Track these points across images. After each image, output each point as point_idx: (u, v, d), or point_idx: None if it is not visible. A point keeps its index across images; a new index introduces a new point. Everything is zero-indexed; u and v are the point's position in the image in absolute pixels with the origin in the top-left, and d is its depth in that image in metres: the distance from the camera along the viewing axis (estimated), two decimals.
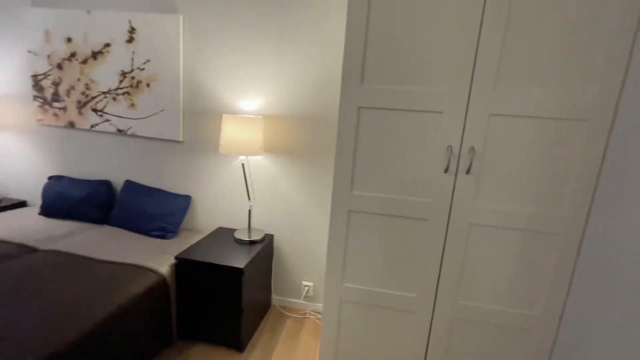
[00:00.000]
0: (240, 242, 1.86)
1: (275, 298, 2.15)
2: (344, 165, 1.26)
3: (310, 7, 1.74)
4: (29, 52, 2.12)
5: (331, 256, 1.34)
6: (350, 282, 1.35)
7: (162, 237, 1.95)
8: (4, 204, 2.29)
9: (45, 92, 2.15)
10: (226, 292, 1.63)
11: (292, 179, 1.96)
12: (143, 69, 1.98)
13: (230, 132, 1.71)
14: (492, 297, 1.24)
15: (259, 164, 1.98)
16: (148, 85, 2.00)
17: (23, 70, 2.19)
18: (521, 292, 1.21)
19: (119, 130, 2.09)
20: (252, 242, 1.87)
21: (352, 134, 1.22)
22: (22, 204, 2.35)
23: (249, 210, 1.91)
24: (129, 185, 2.12)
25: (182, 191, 2.12)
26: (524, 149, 1.11)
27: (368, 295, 1.34)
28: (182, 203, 2.04)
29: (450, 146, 1.15)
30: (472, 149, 1.14)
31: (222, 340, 1.70)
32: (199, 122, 2.01)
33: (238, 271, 1.59)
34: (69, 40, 2.04)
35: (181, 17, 1.89)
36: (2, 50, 2.20)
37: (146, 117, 2.04)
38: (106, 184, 2.16)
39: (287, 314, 2.06)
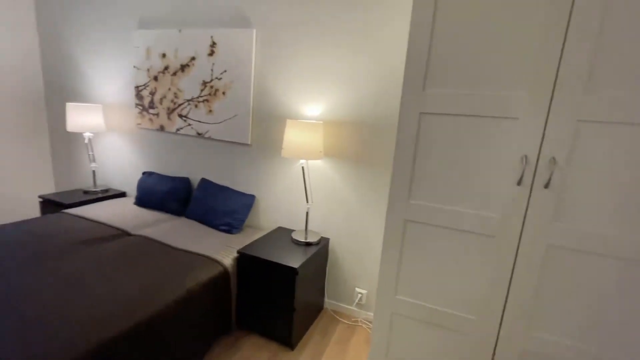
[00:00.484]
0: (297, 243, 1.92)
1: (327, 302, 2.16)
2: (402, 173, 1.21)
3: (372, 12, 1.73)
4: (134, 67, 2.51)
5: (384, 265, 1.30)
6: (403, 294, 1.30)
7: (229, 231, 2.12)
8: (109, 193, 2.74)
9: (144, 100, 2.53)
10: (281, 289, 1.70)
11: (349, 184, 1.96)
12: (220, 79, 2.20)
13: (293, 137, 1.79)
14: (576, 333, 1.06)
15: (318, 168, 2.03)
16: (224, 93, 2.20)
17: (129, 82, 2.61)
18: (614, 332, 1.02)
19: (198, 134, 2.35)
20: (308, 244, 1.91)
21: (412, 140, 1.18)
22: (122, 195, 2.79)
23: (307, 213, 1.96)
24: (204, 183, 2.36)
25: (247, 190, 2.28)
26: (621, 161, 0.94)
27: (422, 310, 1.27)
28: (247, 201, 2.20)
29: (526, 156, 1.03)
30: (552, 160, 1.00)
31: (275, 336, 1.77)
32: (265, 127, 2.15)
33: (293, 271, 1.65)
34: (164, 55, 2.37)
35: (254, 31, 2.05)
36: (114, 66, 2.65)
37: (221, 122, 2.25)
38: (186, 181, 2.44)
39: (339, 318, 2.06)
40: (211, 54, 2.19)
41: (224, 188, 2.29)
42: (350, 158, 1.93)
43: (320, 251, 1.92)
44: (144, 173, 2.60)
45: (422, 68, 1.12)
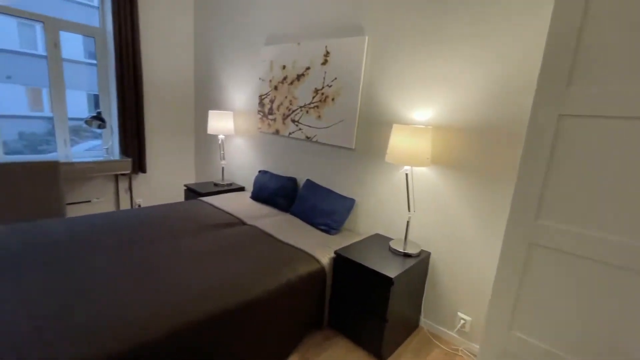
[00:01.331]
0: (395, 252, 1.85)
1: (424, 320, 2.00)
2: (529, 187, 1.03)
3: (491, 6, 1.53)
4: (260, 78, 2.88)
5: (498, 294, 1.13)
6: (522, 331, 1.09)
7: (327, 232, 2.19)
8: (232, 187, 3.20)
9: (265, 107, 2.87)
10: (374, 297, 1.66)
11: (458, 195, 1.78)
12: (331, 86, 2.31)
13: (398, 142, 1.73)
14: None
15: (424, 175, 1.91)
16: (333, 99, 2.31)
17: (255, 92, 3.01)
18: None
19: (307, 138, 2.52)
20: (407, 255, 1.82)
21: (546, 147, 0.99)
22: (242, 189, 3.22)
23: (407, 222, 1.87)
24: (309, 183, 2.52)
25: (348, 194, 2.33)
26: None
27: (549, 357, 1.04)
28: (347, 205, 2.24)
29: None
30: None
31: (364, 344, 1.74)
32: (370, 132, 2.15)
33: (388, 280, 1.59)
34: (284, 67, 2.64)
35: (367, 38, 2.08)
36: (244, 78, 3.10)
37: (328, 127, 2.36)
38: (293, 181, 2.65)
39: (436, 342, 1.88)
40: (324, 62, 2.33)
41: (327, 190, 2.39)
42: (461, 167, 1.76)
43: (419, 265, 1.80)
44: (259, 171, 2.95)
45: (567, 59, 0.93)
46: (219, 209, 2.51)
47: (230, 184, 3.25)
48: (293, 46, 2.54)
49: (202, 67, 3.60)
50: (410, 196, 1.95)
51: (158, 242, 1.84)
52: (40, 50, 3.05)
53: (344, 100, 2.25)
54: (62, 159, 2.85)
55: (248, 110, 3.11)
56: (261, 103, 2.91)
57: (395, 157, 1.75)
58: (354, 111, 2.19)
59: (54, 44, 2.97)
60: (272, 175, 2.78)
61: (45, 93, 3.04)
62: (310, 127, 2.50)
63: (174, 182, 3.79)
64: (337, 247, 1.96)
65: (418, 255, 1.83)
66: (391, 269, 1.65)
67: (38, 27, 2.89)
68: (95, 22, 3.17)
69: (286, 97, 2.66)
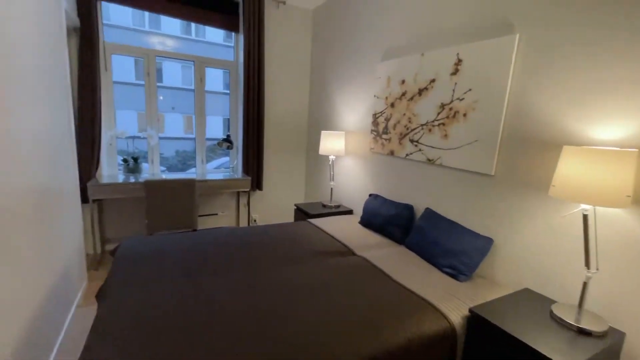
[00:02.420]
0: (561, 323, 1.32)
1: None
2: None
3: None
4: (375, 96, 2.70)
5: None
6: None
7: (454, 276, 1.78)
8: (340, 209, 3.07)
9: (379, 126, 2.66)
10: None
11: None
12: (462, 99, 1.93)
13: (573, 170, 1.24)
14: None
15: (617, 220, 1.33)
16: (464, 115, 1.92)
17: (369, 110, 2.84)
18: None
19: (429, 160, 2.18)
20: (583, 332, 1.26)
21: None
22: (350, 212, 3.06)
23: (584, 284, 1.32)
24: (429, 213, 2.15)
25: (483, 231, 1.86)
26: None
27: None
28: (480, 245, 1.78)
29: None
30: None
31: None
32: (518, 154, 1.67)
33: None
34: (403, 82, 2.39)
35: (517, 37, 1.65)
36: (358, 96, 2.97)
37: (457, 148, 1.97)
38: (409, 208, 2.32)
39: None
40: (454, 72, 1.98)
41: (452, 223, 1.98)
42: None
43: (608, 351, 1.22)
44: (370, 195, 2.73)
45: None
46: (329, 234, 2.38)
47: (338, 206, 3.13)
48: (415, 58, 2.27)
49: (316, 89, 3.68)
50: (591, 247, 1.38)
51: (270, 267, 1.80)
52: (193, 85, 3.63)
53: (479, 116, 1.84)
54: (198, 175, 3.26)
55: (360, 129, 2.96)
56: (375, 122, 2.71)
57: (567, 192, 1.25)
58: (495, 128, 1.76)
59: (200, 79, 3.49)
60: (385, 201, 2.52)
61: (193, 119, 3.60)
62: (432, 147, 2.15)
63: (286, 200, 3.93)
64: (470, 301, 1.53)
65: (604, 335, 1.25)
66: (562, 351, 1.15)
67: (192, 66, 3.46)
68: (231, 57, 3.61)
69: (404, 114, 2.39)
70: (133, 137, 3.13)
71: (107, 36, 2.94)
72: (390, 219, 2.36)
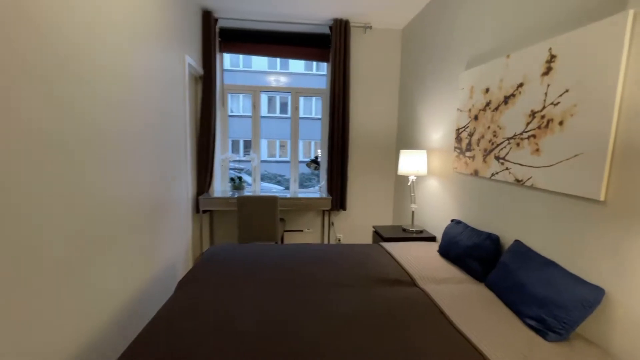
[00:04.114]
0: None
1: None
2: None
3: None
4: (457, 109, 2.41)
5: None
6: None
7: (540, 332, 1.35)
8: (422, 235, 2.79)
9: (462, 143, 2.34)
10: None
11: None
12: (557, 103, 1.52)
13: None
14: None
15: None
16: (560, 123, 1.50)
17: (451, 126, 2.55)
18: None
19: (517, 180, 1.77)
20: None
21: None
22: (432, 239, 2.74)
23: None
24: (518, 246, 1.73)
25: (590, 277, 1.37)
26: None
27: None
28: (585, 295, 1.31)
29: None
30: None
31: None
32: None
33: None
34: (486, 90, 2.06)
35: (631, 13, 1.22)
36: (442, 111, 2.71)
37: (551, 165, 1.55)
38: (494, 239, 1.92)
39: None
40: (546, 72, 1.59)
41: (547, 262, 1.53)
42: None
43: None
44: (452, 220, 2.39)
45: None
46: (395, 259, 2.20)
47: (421, 231, 2.85)
48: (499, 62, 1.94)
49: (403, 108, 3.55)
50: None
51: (318, 286, 1.79)
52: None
53: (580, 122, 1.40)
54: (290, 194, 3.56)
55: (443, 147, 2.67)
56: (458, 138, 2.40)
57: None
58: (602, 138, 1.30)
59: (295, 108, 3.89)
60: (466, 228, 2.16)
61: (289, 143, 4.03)
62: (521, 165, 1.75)
63: (371, 221, 3.84)
64: None
65: None
66: None
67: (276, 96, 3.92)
68: (323, 84, 3.90)
69: (488, 127, 2.04)
70: (238, 160, 3.72)
71: (225, 78, 3.67)
72: (469, 250, 1.99)
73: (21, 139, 1.08)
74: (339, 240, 3.81)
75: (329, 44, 3.54)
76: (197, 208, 3.25)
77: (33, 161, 1.13)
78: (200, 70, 3.23)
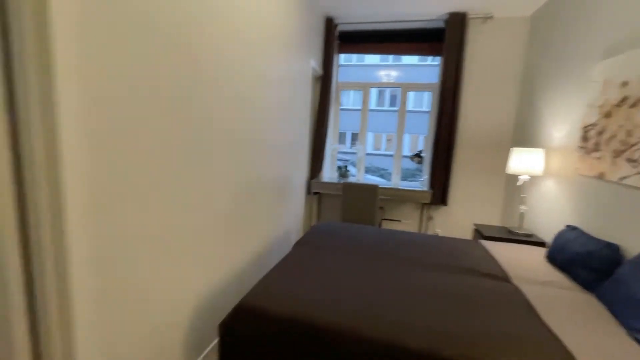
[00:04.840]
0: None
1: None
2: None
3: None
4: (587, 105, 2.17)
5: None
6: None
7: None
8: (531, 239, 2.62)
9: (589, 142, 2.12)
10: None
11: None
12: None
13: None
14: None
15: None
16: None
17: (576, 123, 2.30)
18: None
19: None
20: None
21: None
22: (541, 244, 2.55)
23: None
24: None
25: None
26: None
27: None
28: None
29: None
30: None
31: None
32: None
33: None
34: (624, 84, 1.83)
35: None
36: (565, 106, 2.45)
37: None
38: (613, 249, 1.74)
39: None
40: None
41: None
42: None
43: None
44: (567, 226, 2.20)
45: None
46: (492, 255, 2.20)
47: (530, 235, 2.68)
48: None
49: (524, 103, 3.27)
50: None
51: (407, 267, 2.01)
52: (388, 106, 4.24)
53: None
54: (391, 185, 3.79)
55: (565, 146, 2.43)
56: (584, 137, 2.18)
57: None
58: None
59: (403, 102, 4.04)
60: (582, 235, 1.99)
61: (394, 137, 4.22)
62: None
63: (474, 219, 3.71)
64: None
65: None
66: None
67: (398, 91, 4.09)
68: (435, 79, 3.92)
69: (621, 125, 1.82)
70: (345, 152, 4.13)
71: (340, 76, 4.10)
72: (581, 257, 1.86)
73: (203, 129, 1.67)
74: (437, 234, 3.83)
75: (442, 38, 3.53)
76: (308, 190, 3.82)
77: (215, 146, 1.72)
78: (320, 71, 3.73)
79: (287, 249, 3.11)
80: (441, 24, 3.53)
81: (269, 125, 2.37)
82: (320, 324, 1.35)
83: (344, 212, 3.48)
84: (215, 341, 1.90)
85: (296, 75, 2.89)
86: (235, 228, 2.01)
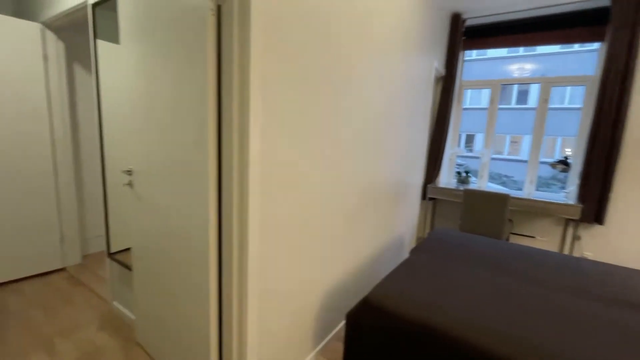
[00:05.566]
0: None
1: None
2: None
3: None
4: None
5: None
6: None
7: None
8: None
9: None
10: None
11: None
12: None
13: None
14: None
15: None
16: None
17: None
18: None
19: None
20: None
21: None
22: None
23: None
24: None
25: None
26: None
27: None
28: None
29: None
30: None
31: None
32: None
33: None
34: None
35: None
36: None
37: None
38: None
39: None
40: None
41: None
42: None
43: None
44: None
45: None
46: None
47: None
48: None
49: None
50: None
51: (541, 290, 1.74)
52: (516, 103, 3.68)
53: None
54: (523, 195, 3.32)
55: None
56: None
57: None
58: None
59: (544, 100, 3.48)
60: None
61: (524, 139, 3.66)
62: None
63: None
64: None
65: None
66: None
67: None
68: (588, 70, 3.24)
69: None
70: (465, 156, 3.81)
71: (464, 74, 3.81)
72: None
73: (342, 132, 1.80)
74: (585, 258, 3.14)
75: (604, 19, 2.88)
76: (424, 195, 3.68)
77: (347, 147, 1.85)
78: (442, 71, 3.55)
79: (400, 253, 3.09)
80: (603, 3, 2.88)
81: (390, 128, 2.40)
82: (440, 329, 1.32)
83: (464, 221, 3.22)
84: (339, 326, 2.06)
85: (419, 78, 2.83)
86: (356, 229, 2.13)
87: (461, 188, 3.54)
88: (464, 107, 4.11)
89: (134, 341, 1.94)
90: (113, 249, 2.16)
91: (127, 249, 2.00)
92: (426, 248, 2.28)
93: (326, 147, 1.64)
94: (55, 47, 2.60)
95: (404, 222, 3.09)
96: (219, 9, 1.15)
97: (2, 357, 1.79)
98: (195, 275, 1.39)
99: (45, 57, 2.55)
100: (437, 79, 3.66)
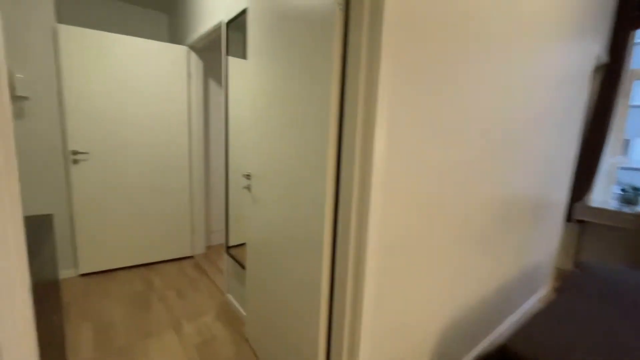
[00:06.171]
0: None
1: None
2: None
3: None
4: None
5: None
6: None
7: None
8: None
9: None
10: None
11: None
12: None
13: None
14: None
15: None
16: None
17: None
18: None
19: None
20: None
21: None
22: None
23: None
24: None
25: None
26: None
27: None
28: None
29: None
30: None
31: None
32: None
33: None
34: None
35: None
36: None
37: None
38: None
39: None
40: None
41: None
42: None
43: None
44: None
45: None
46: None
47: None
48: None
49: None
50: None
51: None
52: None
53: None
54: None
55: None
56: None
57: None
58: None
59: None
60: None
61: None
62: None
63: None
64: None
65: None
66: None
67: None
68: None
69: None
70: (636, 169, 2.85)
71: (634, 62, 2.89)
72: None
73: (472, 139, 1.49)
74: None
75: None
76: (568, 216, 2.92)
77: (481, 157, 1.53)
78: (604, 58, 2.75)
79: (533, 287, 2.50)
80: None
81: (532, 132, 1.93)
82: None
83: (634, 253, 2.40)
84: None
85: (574, 67, 2.23)
86: (483, 250, 1.76)
87: (626, 210, 2.66)
88: (632, 104, 3.11)
89: (243, 336, 2.04)
90: (231, 243, 2.34)
91: (243, 244, 2.13)
92: (579, 285, 1.74)
93: (452, 155, 1.38)
94: (196, 65, 3.03)
95: (540, 249, 2.48)
96: (347, 4, 1.06)
97: (146, 324, 2.11)
98: (305, 292, 1.33)
99: (189, 75, 3.00)
100: (597, 68, 2.86)
